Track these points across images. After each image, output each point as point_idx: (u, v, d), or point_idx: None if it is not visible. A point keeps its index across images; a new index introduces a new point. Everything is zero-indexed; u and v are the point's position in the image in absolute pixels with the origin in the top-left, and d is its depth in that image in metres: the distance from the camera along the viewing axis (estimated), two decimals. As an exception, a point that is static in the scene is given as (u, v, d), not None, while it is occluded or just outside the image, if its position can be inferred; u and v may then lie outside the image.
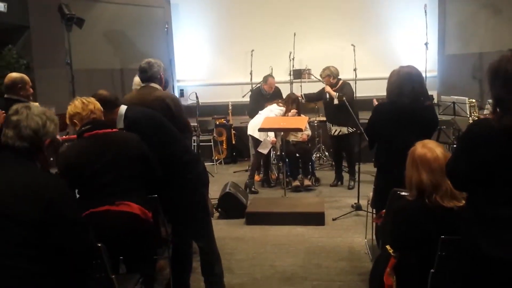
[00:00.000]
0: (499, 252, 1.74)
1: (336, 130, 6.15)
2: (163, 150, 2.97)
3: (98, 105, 2.78)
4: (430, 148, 2.33)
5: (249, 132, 6.27)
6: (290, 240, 4.48)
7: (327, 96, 6.10)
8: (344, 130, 6.04)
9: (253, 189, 6.13)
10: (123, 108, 2.99)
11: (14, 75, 4.14)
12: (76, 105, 2.76)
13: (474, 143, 1.83)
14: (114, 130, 2.79)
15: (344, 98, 5.70)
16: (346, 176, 6.41)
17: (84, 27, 6.37)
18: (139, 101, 3.23)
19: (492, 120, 1.80)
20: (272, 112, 6.12)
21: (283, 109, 6.17)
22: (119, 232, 2.54)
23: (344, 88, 6.01)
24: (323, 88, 6.23)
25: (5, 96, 4.06)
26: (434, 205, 2.26)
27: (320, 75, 6.25)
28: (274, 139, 6.15)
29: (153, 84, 3.36)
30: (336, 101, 5.92)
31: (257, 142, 6.19)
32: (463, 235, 1.95)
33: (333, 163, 6.69)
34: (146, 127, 2.96)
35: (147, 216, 2.66)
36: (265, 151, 6.19)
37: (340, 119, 5.99)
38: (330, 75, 6.10)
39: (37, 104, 2.25)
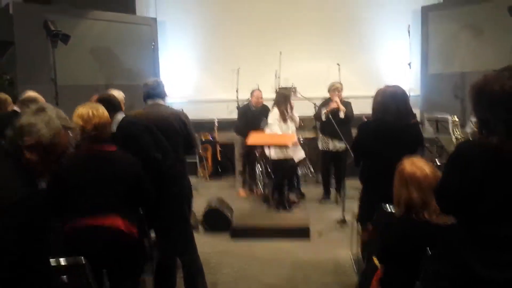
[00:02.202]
0: (492, 273, 1.70)
1: (336, 146, 6.09)
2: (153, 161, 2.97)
3: (104, 118, 2.71)
4: (419, 167, 2.35)
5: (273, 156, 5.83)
6: (275, 254, 4.46)
7: (325, 111, 5.96)
8: (343, 145, 5.82)
9: (287, 207, 5.73)
10: (120, 115, 3.04)
11: None
12: (82, 114, 2.67)
13: (465, 161, 1.78)
14: (111, 148, 2.75)
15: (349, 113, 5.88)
16: (331, 191, 6.38)
17: (70, 43, 6.35)
18: (156, 116, 3.30)
19: (479, 139, 1.78)
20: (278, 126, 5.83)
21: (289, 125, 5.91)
22: (103, 246, 2.51)
23: (348, 105, 6.09)
24: (322, 104, 6.22)
25: None
26: (421, 221, 2.27)
27: (331, 89, 6.13)
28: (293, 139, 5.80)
29: (161, 101, 3.45)
30: (342, 115, 5.95)
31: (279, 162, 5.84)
32: (452, 255, 1.90)
33: (322, 178, 6.56)
34: (141, 135, 2.99)
35: (131, 231, 2.64)
36: (299, 156, 5.99)
37: (342, 134, 5.73)
38: (341, 91, 6.14)
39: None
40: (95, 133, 2.68)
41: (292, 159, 6.39)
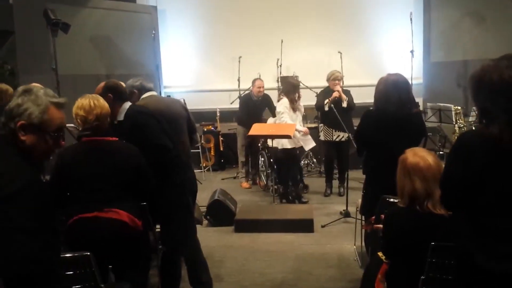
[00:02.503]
0: (495, 265, 1.70)
1: (339, 136, 5.97)
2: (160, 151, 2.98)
3: (105, 109, 2.72)
4: (422, 157, 2.34)
5: (280, 146, 5.85)
6: (279, 247, 4.47)
7: (327, 101, 5.85)
8: (345, 135, 5.81)
9: (303, 200, 5.85)
10: (127, 104, 3.04)
11: None
12: (83, 105, 2.68)
13: (467, 152, 1.78)
14: (113, 139, 2.76)
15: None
16: (334, 183, 6.36)
17: (70, 32, 6.29)
18: (166, 105, 3.45)
19: (480, 129, 1.78)
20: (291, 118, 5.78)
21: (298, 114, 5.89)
22: (107, 239, 2.52)
23: (348, 94, 5.99)
24: (321, 93, 6.12)
25: None
26: (425, 212, 2.28)
27: (331, 78, 5.98)
28: (305, 129, 5.80)
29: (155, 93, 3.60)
30: (345, 104, 5.86)
31: (290, 151, 5.87)
32: (457, 247, 1.91)
33: (325, 171, 6.48)
34: (147, 124, 2.99)
35: (136, 224, 2.65)
36: (310, 146, 5.97)
37: (345, 123, 5.60)
38: (341, 79, 6.05)
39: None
40: (97, 124, 2.69)
41: (296, 149, 6.38)
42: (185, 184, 3.21)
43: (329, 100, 5.84)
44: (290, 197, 5.88)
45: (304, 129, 5.81)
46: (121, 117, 3.00)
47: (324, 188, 6.28)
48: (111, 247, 2.54)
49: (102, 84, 3.17)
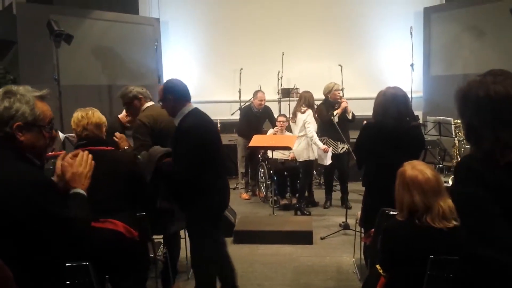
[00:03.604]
0: None
1: (342, 148, 5.87)
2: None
3: (93, 119, 2.83)
4: (420, 170, 2.34)
5: (300, 159, 5.98)
6: (278, 259, 4.45)
7: (336, 112, 5.75)
8: (346, 147, 5.73)
9: (305, 212, 5.88)
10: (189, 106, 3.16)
11: None
12: (74, 118, 2.85)
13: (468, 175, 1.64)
14: (108, 148, 2.81)
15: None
16: (335, 195, 6.32)
17: (73, 43, 6.36)
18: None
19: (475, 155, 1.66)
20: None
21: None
22: (103, 249, 2.51)
23: (348, 106, 5.99)
24: (322, 106, 6.03)
25: None
26: (424, 226, 2.27)
27: (334, 89, 5.96)
28: (325, 147, 5.86)
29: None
30: (350, 116, 5.89)
31: (308, 163, 6.01)
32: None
33: (325, 183, 6.42)
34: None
35: (132, 235, 2.65)
36: (327, 162, 6.02)
37: (345, 135, 5.63)
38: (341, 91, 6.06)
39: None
40: (86, 134, 2.81)
41: (294, 160, 6.41)
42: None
43: (338, 112, 5.78)
44: (302, 207, 5.93)
45: (325, 147, 5.85)
46: (177, 121, 3.04)
47: (324, 200, 6.27)
48: (107, 257, 2.54)
49: (161, 86, 3.22)
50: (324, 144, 5.92)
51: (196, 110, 3.15)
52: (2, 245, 1.64)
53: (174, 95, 3.06)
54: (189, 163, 2.91)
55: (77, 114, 2.84)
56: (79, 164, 1.92)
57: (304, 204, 5.97)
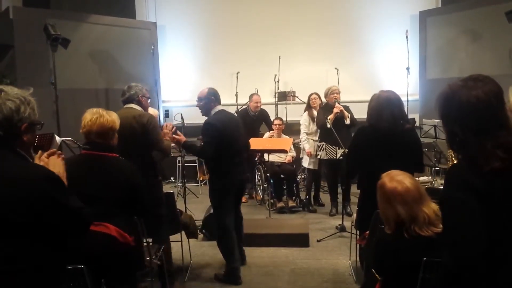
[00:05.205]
0: None
1: (341, 153, 5.65)
2: None
3: (94, 128, 2.75)
4: (399, 181, 2.30)
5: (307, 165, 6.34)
6: (274, 261, 4.46)
7: (329, 118, 5.64)
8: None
9: (311, 208, 6.21)
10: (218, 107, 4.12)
11: None
12: (82, 119, 2.79)
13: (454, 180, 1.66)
14: (111, 154, 2.79)
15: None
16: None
17: (70, 47, 6.36)
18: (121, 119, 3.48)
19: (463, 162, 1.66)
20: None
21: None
22: (96, 252, 2.51)
23: (348, 109, 5.93)
24: (320, 110, 6.01)
25: None
26: (413, 237, 2.23)
27: (329, 92, 5.93)
28: (308, 151, 6.18)
29: (131, 105, 3.71)
30: (348, 121, 5.77)
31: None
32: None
33: (329, 190, 6.22)
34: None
35: (126, 239, 2.64)
36: (306, 165, 6.36)
37: (346, 140, 5.29)
38: (339, 92, 5.96)
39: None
40: (89, 139, 2.77)
41: (290, 163, 6.44)
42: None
43: (331, 117, 5.63)
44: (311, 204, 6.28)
45: (308, 151, 6.20)
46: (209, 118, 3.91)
47: (330, 207, 6.12)
48: (100, 260, 2.53)
49: (206, 89, 4.15)
50: (321, 150, 5.90)
51: (220, 111, 4.04)
52: (17, 245, 1.70)
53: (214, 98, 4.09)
54: (206, 147, 3.83)
55: (85, 116, 2.78)
56: (52, 166, 1.95)
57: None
